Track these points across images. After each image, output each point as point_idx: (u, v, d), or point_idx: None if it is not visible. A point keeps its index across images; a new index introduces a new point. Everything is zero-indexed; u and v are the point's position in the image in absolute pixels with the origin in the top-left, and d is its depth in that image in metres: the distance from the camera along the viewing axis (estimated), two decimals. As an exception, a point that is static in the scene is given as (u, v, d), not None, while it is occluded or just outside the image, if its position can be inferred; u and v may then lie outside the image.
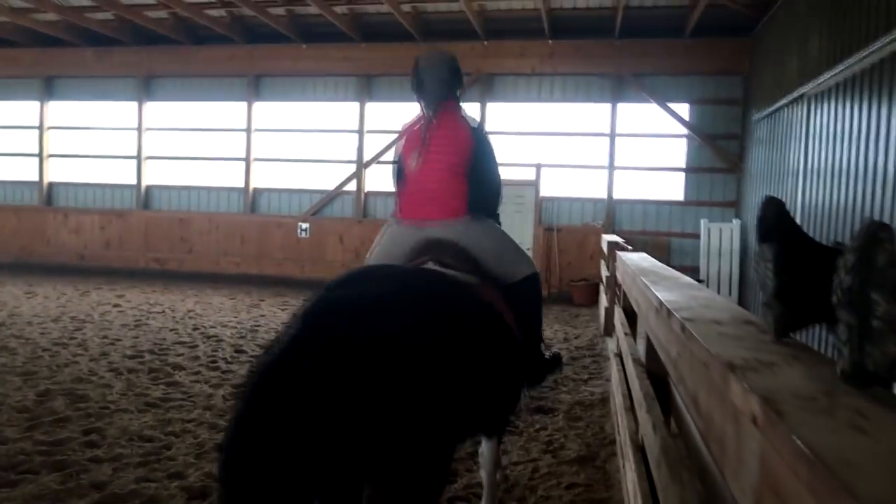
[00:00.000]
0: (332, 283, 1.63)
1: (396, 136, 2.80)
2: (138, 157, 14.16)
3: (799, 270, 1.13)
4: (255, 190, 13.73)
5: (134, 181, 14.22)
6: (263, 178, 13.77)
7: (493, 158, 2.76)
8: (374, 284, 1.55)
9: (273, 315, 9.51)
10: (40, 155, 14.53)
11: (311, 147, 13.50)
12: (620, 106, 12.12)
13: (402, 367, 1.28)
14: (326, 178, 13.48)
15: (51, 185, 14.60)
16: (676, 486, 1.47)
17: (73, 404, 5.06)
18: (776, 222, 1.20)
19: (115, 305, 9.91)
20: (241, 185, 13.70)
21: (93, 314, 9.07)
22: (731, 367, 0.93)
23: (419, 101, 2.62)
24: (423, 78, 2.54)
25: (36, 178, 14.53)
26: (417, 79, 2.59)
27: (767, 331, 1.24)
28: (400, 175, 2.60)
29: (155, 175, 14.26)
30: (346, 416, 1.19)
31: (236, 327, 8.42)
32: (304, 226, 13.04)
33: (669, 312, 1.59)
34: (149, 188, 14.27)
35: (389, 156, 13.05)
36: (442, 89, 2.53)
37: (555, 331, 8.92)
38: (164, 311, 9.51)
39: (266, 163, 13.79)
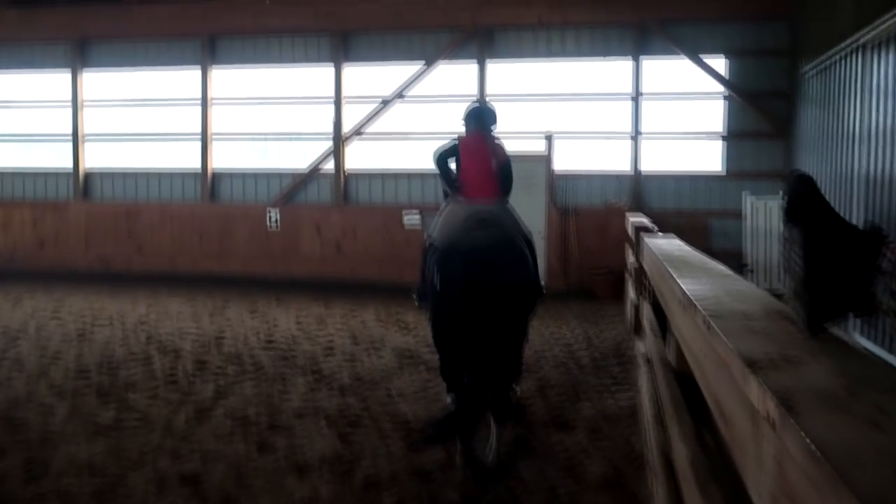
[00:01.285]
0: (464, 226, 4.64)
1: (452, 140, 5.54)
2: (74, 138, 14.28)
3: (832, 255, 1.21)
4: (215, 173, 13.87)
5: (70, 166, 14.38)
6: (224, 158, 13.92)
7: (510, 164, 5.55)
8: (495, 229, 4.61)
9: (240, 321, 9.64)
10: (-44, 139, 14.78)
11: (280, 120, 13.64)
12: (645, 61, 12.20)
13: (524, 266, 4.57)
14: (299, 157, 13.63)
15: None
16: (704, 500, 1.54)
17: (10, 433, 5.17)
18: (805, 200, 1.26)
19: (54, 315, 10.07)
20: (198, 167, 13.84)
21: (27, 326, 9.20)
22: (751, 364, 1.00)
23: (474, 128, 5.56)
24: (481, 115, 5.61)
25: (-49, 166, 14.83)
26: (477, 114, 5.61)
27: (800, 324, 1.34)
28: (457, 163, 5.39)
29: (95, 158, 14.41)
30: (506, 292, 4.28)
31: (198, 338, 8.56)
32: (274, 215, 13.23)
33: (694, 305, 1.65)
34: (88, 174, 14.41)
35: (374, 127, 13.20)
36: (489, 125, 5.59)
37: (574, 331, 9.04)
38: (111, 321, 9.66)
39: (226, 141, 13.94)
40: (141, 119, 14.18)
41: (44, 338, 8.48)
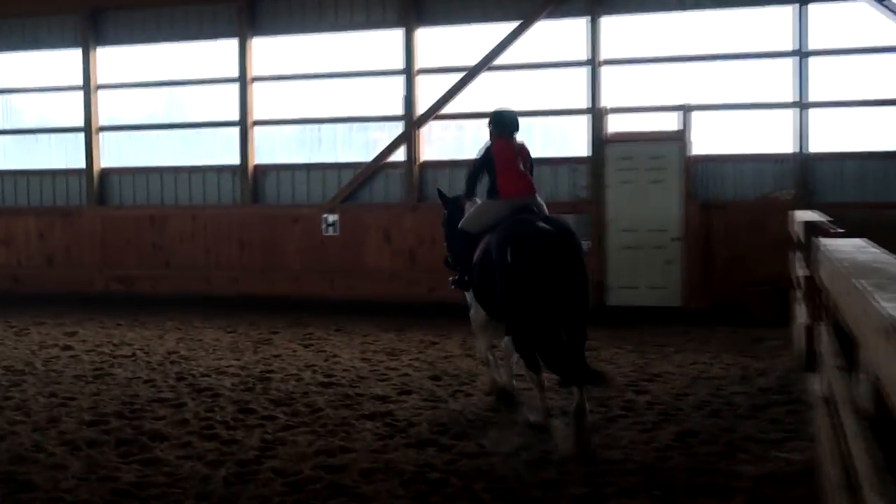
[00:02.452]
0: (519, 217, 6.78)
1: (484, 147, 7.47)
2: (87, 129, 14.78)
3: None
4: (258, 168, 14.15)
5: (82, 164, 14.86)
6: (268, 150, 14.19)
7: (533, 164, 7.61)
8: (547, 221, 6.69)
9: (292, 354, 9.78)
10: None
11: (337, 101, 13.81)
12: (812, 7, 11.91)
13: (580, 254, 6.63)
14: (361, 146, 13.79)
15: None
16: None
17: (12, 494, 5.25)
18: None
19: (66, 348, 10.32)
20: (237, 161, 14.13)
21: (34, 362, 9.46)
22: None
23: (502, 132, 7.45)
24: (504, 121, 7.49)
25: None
26: (500, 121, 7.50)
27: None
28: (490, 170, 7.28)
29: (112, 154, 14.89)
30: (573, 273, 6.36)
31: (239, 376, 8.69)
32: (332, 218, 13.36)
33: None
34: (104, 174, 14.88)
35: (455, 106, 13.32)
36: (512, 130, 7.47)
37: (724, 365, 8.89)
38: (134, 355, 9.87)
39: (271, 127, 14.18)
40: (166, 104, 14.64)
41: (53, 376, 8.69)
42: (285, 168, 14.06)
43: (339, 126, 13.92)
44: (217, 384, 8.25)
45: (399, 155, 13.44)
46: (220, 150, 14.35)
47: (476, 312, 7.51)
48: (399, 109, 13.42)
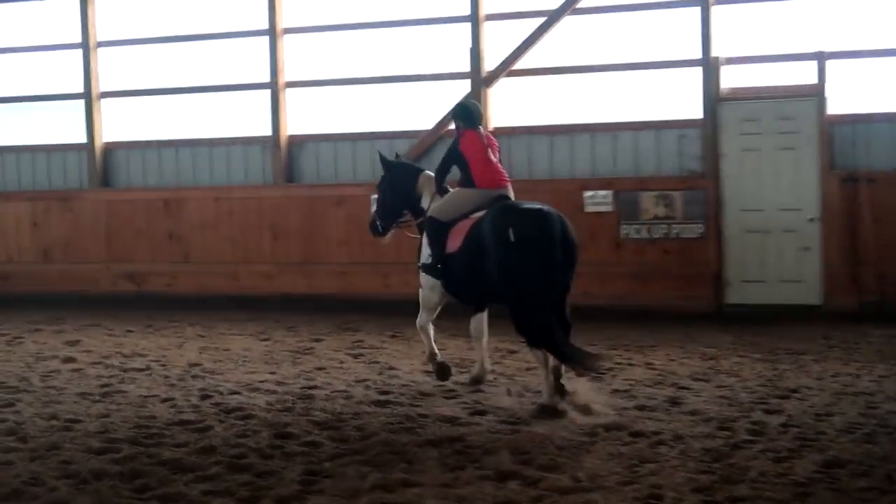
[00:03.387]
0: (509, 204, 8.54)
1: (454, 140, 8.97)
2: (87, 96, 14.91)
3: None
4: (292, 140, 14.16)
5: (82, 138, 14.98)
6: (305, 117, 14.16)
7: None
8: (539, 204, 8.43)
9: (340, 367, 9.76)
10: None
11: (387, 56, 13.73)
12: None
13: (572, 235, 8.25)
14: (418, 111, 13.71)
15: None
16: None
17: (7, 538, 5.26)
18: None
19: (67, 360, 10.36)
20: (267, 131, 14.14)
21: (30, 377, 9.49)
22: None
23: (468, 124, 8.99)
24: (470, 113, 9.10)
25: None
26: (472, 113, 9.13)
27: None
28: (461, 164, 8.86)
29: (117, 125, 14.99)
30: (567, 254, 8.07)
31: (275, 392, 8.68)
32: (383, 200, 13.33)
33: None
34: (108, 149, 14.97)
35: (531, 59, 13.20)
36: (478, 121, 9.12)
37: (878, 377, 8.70)
38: (148, 368, 9.90)
39: (308, 89, 14.19)
40: (181, 63, 14.68)
41: (53, 394, 8.70)
42: (326, 139, 14.07)
43: (392, 87, 13.96)
44: (249, 403, 8.22)
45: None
46: (248, 117, 14.41)
47: (430, 295, 9.12)
48: (464, 65, 13.36)
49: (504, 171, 9.02)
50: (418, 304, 9.19)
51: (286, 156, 14.13)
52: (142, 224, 14.44)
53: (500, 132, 13.14)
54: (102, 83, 14.99)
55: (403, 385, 8.88)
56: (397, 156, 10.17)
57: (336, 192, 13.68)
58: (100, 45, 14.94)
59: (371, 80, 13.99)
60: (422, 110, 13.79)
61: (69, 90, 15.14)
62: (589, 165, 13.02)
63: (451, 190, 9.12)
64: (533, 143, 13.07)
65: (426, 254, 9.09)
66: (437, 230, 8.85)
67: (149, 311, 13.47)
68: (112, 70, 15.01)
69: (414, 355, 10.22)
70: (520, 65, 13.26)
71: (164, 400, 8.48)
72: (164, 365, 10.05)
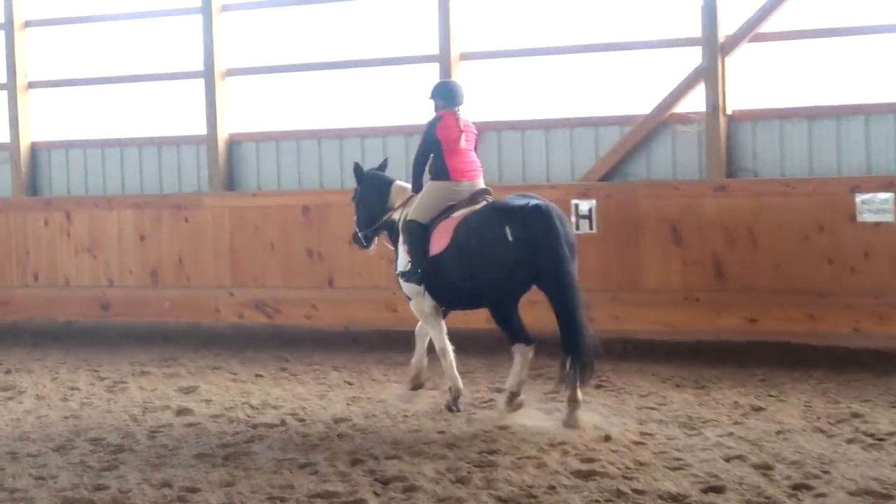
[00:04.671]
0: (510, 199, 10.15)
1: (430, 123, 10.49)
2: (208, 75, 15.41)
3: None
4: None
5: (203, 128, 15.58)
6: (485, 95, 14.15)
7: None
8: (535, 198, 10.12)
9: (526, 425, 9.70)
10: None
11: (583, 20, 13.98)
12: None
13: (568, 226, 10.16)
14: (625, 89, 13.85)
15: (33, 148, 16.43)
16: None
17: None
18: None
19: (181, 411, 10.69)
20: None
21: (135, 432, 9.81)
22: None
23: (447, 105, 10.52)
24: (455, 93, 10.66)
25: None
26: (452, 93, 10.68)
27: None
28: (436, 152, 10.40)
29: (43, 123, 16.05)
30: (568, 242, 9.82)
31: (445, 456, 8.78)
32: (586, 206, 13.43)
33: None
34: (234, 141, 15.49)
35: (781, 20, 13.16)
36: (462, 101, 10.63)
37: None
38: (283, 423, 10.08)
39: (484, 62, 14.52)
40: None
41: (164, 455, 8.95)
42: (504, 126, 14.45)
43: (592, 56, 14.28)
44: (412, 471, 8.21)
45: (694, 100, 13.54)
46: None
47: (422, 302, 10.53)
48: (693, 28, 13.44)
49: (476, 160, 10.53)
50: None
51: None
52: (275, 237, 14.71)
53: (737, 117, 13.24)
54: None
55: (612, 451, 8.78)
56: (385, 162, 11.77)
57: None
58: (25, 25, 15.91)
59: (569, 49, 14.29)
60: (632, 89, 13.98)
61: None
62: (860, 159, 12.89)
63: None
64: (785, 130, 13.11)
65: (404, 260, 10.52)
66: (416, 232, 10.25)
67: (283, 349, 13.71)
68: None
69: (625, 412, 10.19)
70: (768, 26, 13.23)
71: (304, 465, 8.55)
72: (302, 420, 10.19)
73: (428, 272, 10.14)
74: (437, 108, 10.43)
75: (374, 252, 11.63)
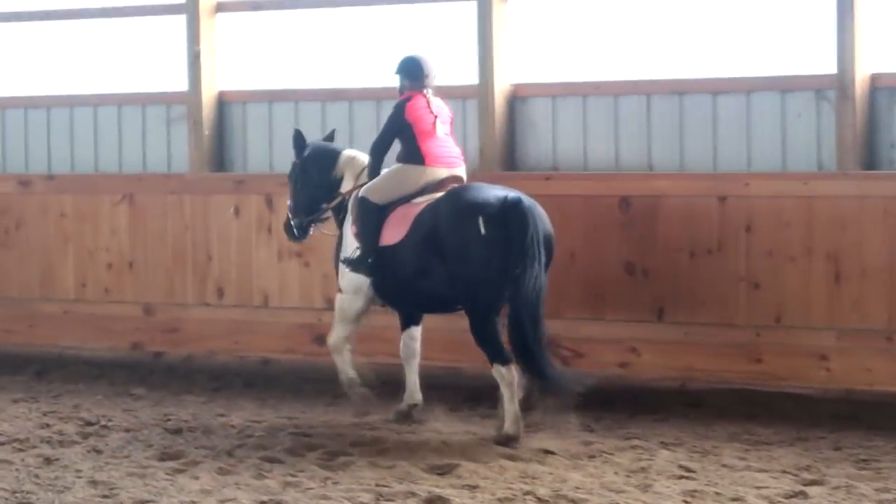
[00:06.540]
0: (475, 188, 10.24)
1: (398, 105, 10.41)
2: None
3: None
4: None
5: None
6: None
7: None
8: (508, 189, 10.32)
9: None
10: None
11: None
12: None
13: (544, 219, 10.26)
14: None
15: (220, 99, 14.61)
16: None
17: None
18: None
19: (431, 501, 8.87)
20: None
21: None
22: None
23: (414, 84, 10.44)
24: (422, 69, 10.48)
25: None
26: (418, 69, 10.48)
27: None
28: (406, 136, 10.28)
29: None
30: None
31: None
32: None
33: None
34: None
35: None
36: (424, 79, 10.52)
37: None
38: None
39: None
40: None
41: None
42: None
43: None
44: None
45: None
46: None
47: (352, 301, 10.35)
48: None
49: (457, 149, 10.40)
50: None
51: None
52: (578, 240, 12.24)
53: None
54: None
55: None
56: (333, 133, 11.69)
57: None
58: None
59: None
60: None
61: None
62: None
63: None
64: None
65: (351, 246, 10.27)
66: (370, 214, 10.03)
67: (584, 410, 10.90)
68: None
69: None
70: None
71: None
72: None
73: (380, 264, 10.05)
74: (402, 90, 10.40)
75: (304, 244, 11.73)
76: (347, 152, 10.79)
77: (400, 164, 10.15)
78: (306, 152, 10.81)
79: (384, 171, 10.27)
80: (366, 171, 10.45)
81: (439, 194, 9.92)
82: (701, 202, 12.04)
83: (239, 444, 10.64)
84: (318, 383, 12.63)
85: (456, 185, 10.13)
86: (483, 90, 13.38)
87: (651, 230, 12.15)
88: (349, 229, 10.36)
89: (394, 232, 9.82)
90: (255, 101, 14.79)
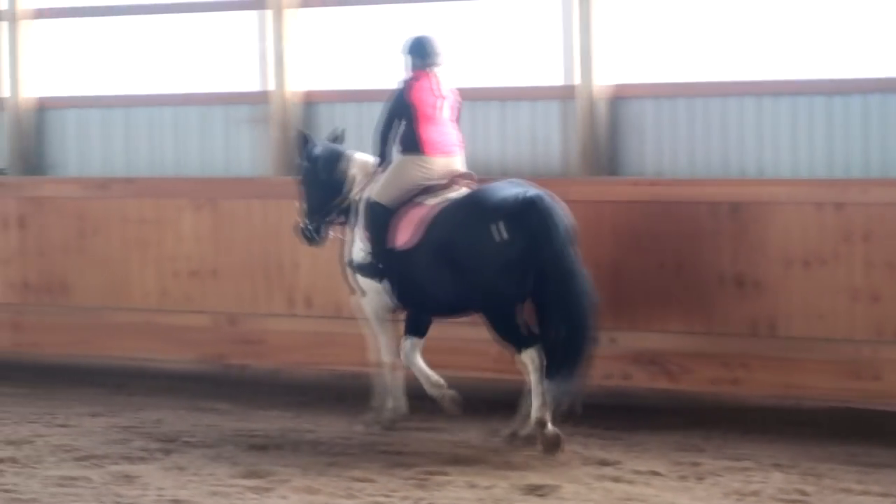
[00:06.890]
0: (501, 186, 10.12)
1: (402, 84, 10.35)
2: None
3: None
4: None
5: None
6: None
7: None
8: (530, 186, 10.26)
9: None
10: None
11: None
12: None
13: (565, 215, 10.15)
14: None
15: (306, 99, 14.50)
16: None
17: None
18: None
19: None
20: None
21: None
22: None
23: (423, 65, 10.33)
24: (432, 50, 10.39)
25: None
26: (428, 49, 10.37)
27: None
28: (408, 119, 10.21)
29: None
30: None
31: None
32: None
33: None
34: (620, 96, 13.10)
35: None
36: (440, 60, 10.50)
37: None
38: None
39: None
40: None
41: None
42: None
43: None
44: None
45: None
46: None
47: (376, 301, 10.32)
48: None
49: (457, 134, 10.33)
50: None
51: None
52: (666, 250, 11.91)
53: None
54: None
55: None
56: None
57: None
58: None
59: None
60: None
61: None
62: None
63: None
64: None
65: (358, 248, 10.38)
66: (383, 218, 10.04)
67: (687, 430, 10.99)
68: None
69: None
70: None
71: None
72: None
73: (391, 268, 10.05)
74: (412, 68, 10.30)
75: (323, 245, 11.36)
76: (357, 155, 10.81)
77: (399, 157, 10.16)
78: (316, 152, 10.86)
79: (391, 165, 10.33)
80: (375, 173, 10.47)
81: (449, 194, 9.95)
82: (816, 209, 11.56)
83: (328, 462, 10.38)
84: (413, 399, 11.87)
85: (461, 180, 10.10)
86: (584, 91, 13.05)
87: (762, 239, 11.78)
88: (359, 232, 10.37)
89: (403, 234, 9.82)
90: (342, 102, 14.56)
